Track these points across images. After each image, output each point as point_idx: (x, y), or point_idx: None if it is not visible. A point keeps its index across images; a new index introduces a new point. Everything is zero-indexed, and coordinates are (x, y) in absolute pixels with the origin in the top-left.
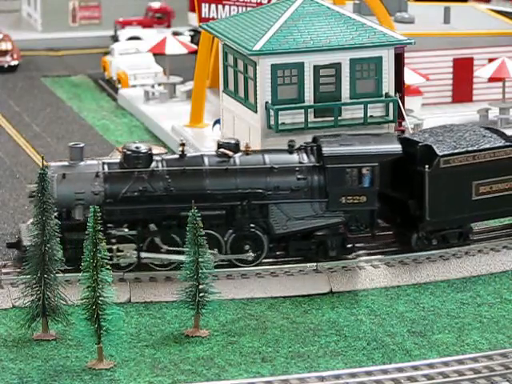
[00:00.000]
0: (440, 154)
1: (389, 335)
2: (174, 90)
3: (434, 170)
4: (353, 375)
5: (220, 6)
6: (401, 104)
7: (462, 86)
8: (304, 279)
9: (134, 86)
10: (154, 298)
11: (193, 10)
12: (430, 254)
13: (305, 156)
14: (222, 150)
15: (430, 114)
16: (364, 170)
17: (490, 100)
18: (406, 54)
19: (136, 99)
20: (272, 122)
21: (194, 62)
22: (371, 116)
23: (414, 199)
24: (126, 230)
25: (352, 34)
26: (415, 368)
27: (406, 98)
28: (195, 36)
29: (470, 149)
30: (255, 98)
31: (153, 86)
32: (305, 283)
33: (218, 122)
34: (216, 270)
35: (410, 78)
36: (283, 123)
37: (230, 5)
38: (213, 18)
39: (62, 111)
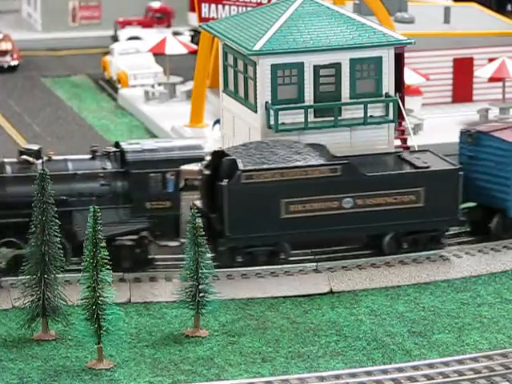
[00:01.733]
0: (241, 168)
1: (389, 335)
2: (174, 90)
3: (234, 185)
4: (353, 375)
5: (220, 6)
6: (401, 104)
7: (462, 86)
8: (304, 279)
9: (134, 86)
10: (154, 298)
11: (193, 10)
12: (431, 254)
13: (108, 162)
14: (23, 156)
15: (430, 114)
16: (168, 175)
17: (490, 100)
18: (406, 54)
19: (136, 99)
20: (272, 122)
21: (194, 62)
22: (371, 116)
23: (216, 213)
24: None
25: (352, 34)
26: (415, 368)
27: (406, 98)
28: (195, 36)
29: (276, 165)
30: (255, 98)
31: (153, 86)
32: (305, 283)
33: (217, 121)
34: (216, 270)
35: (409, 77)
36: (283, 123)
37: (229, 5)
38: (213, 18)
39: (61, 111)
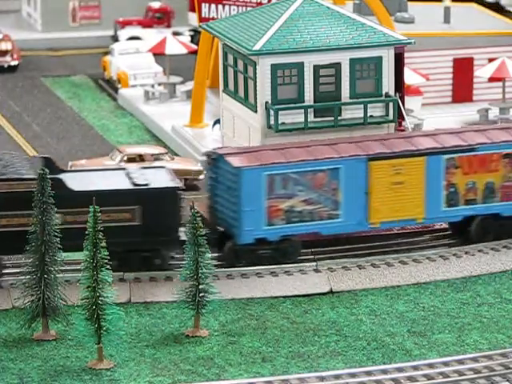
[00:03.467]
0: None
1: (389, 335)
2: (174, 90)
3: None
4: (353, 375)
5: (220, 6)
6: (401, 104)
7: (462, 86)
8: (304, 279)
9: (134, 85)
10: (154, 298)
11: (193, 10)
12: (430, 254)
13: None
14: None
15: (430, 114)
16: None
17: (490, 100)
18: (406, 54)
19: (136, 99)
20: (272, 122)
21: (194, 61)
22: (371, 116)
23: None
24: None
25: (352, 34)
26: (415, 368)
27: (406, 98)
28: (195, 36)
29: None
30: (255, 98)
31: (153, 86)
32: (305, 283)
33: (217, 121)
34: (216, 270)
35: (409, 77)
36: (283, 123)
37: (229, 5)
38: (213, 18)
39: (61, 111)
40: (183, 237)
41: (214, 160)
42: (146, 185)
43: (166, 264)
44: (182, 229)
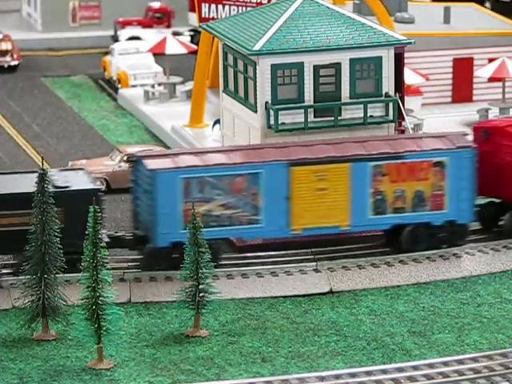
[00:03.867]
0: None
1: (389, 335)
2: (174, 90)
3: None
4: (353, 375)
5: (220, 6)
6: (401, 104)
7: (462, 86)
8: (304, 279)
9: (134, 85)
10: (154, 298)
11: (193, 10)
12: (431, 254)
13: None
14: None
15: (430, 114)
16: None
17: (490, 100)
18: (405, 54)
19: (136, 99)
20: (272, 122)
21: (194, 61)
22: (371, 116)
23: None
24: None
25: (352, 34)
26: (415, 368)
27: (406, 98)
28: (195, 36)
29: None
30: (255, 98)
31: (153, 86)
32: (305, 283)
33: (217, 121)
34: (216, 270)
35: (409, 77)
36: (283, 123)
37: (230, 5)
38: (213, 18)
39: (62, 111)
40: (105, 238)
41: (135, 163)
42: (66, 187)
43: None
44: (103, 231)
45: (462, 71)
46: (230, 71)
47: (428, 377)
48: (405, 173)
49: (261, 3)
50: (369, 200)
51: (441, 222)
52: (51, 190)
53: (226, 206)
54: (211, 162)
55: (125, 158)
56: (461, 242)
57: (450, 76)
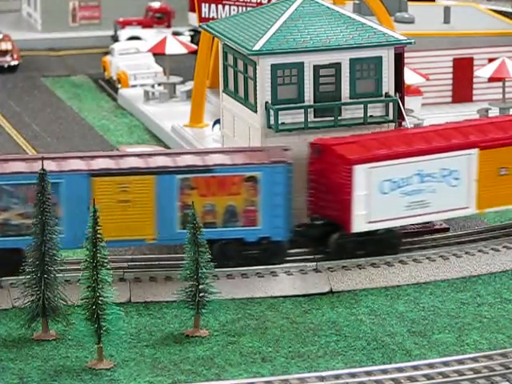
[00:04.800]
0: None
1: (389, 335)
2: (174, 90)
3: None
4: (353, 375)
5: (220, 6)
6: (401, 104)
7: (462, 86)
8: (304, 279)
9: (134, 85)
10: (154, 298)
11: (193, 10)
12: (431, 254)
13: None
14: None
15: (430, 114)
16: None
17: (490, 100)
18: (406, 54)
19: (136, 99)
20: (272, 122)
21: (194, 61)
22: (371, 116)
23: None
24: None
25: (352, 34)
26: (415, 368)
27: (406, 98)
28: (195, 36)
29: None
30: (255, 98)
31: (153, 86)
32: (305, 283)
33: (217, 121)
34: (216, 270)
35: (409, 77)
36: (283, 123)
37: (230, 5)
38: (213, 18)
39: (61, 111)
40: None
41: None
42: None
43: None
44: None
45: (462, 71)
46: (230, 71)
47: (428, 377)
48: (215, 187)
49: (261, 3)
50: (176, 214)
51: (254, 238)
52: None
53: (24, 215)
54: (7, 170)
55: None
56: (276, 260)
57: (450, 76)
